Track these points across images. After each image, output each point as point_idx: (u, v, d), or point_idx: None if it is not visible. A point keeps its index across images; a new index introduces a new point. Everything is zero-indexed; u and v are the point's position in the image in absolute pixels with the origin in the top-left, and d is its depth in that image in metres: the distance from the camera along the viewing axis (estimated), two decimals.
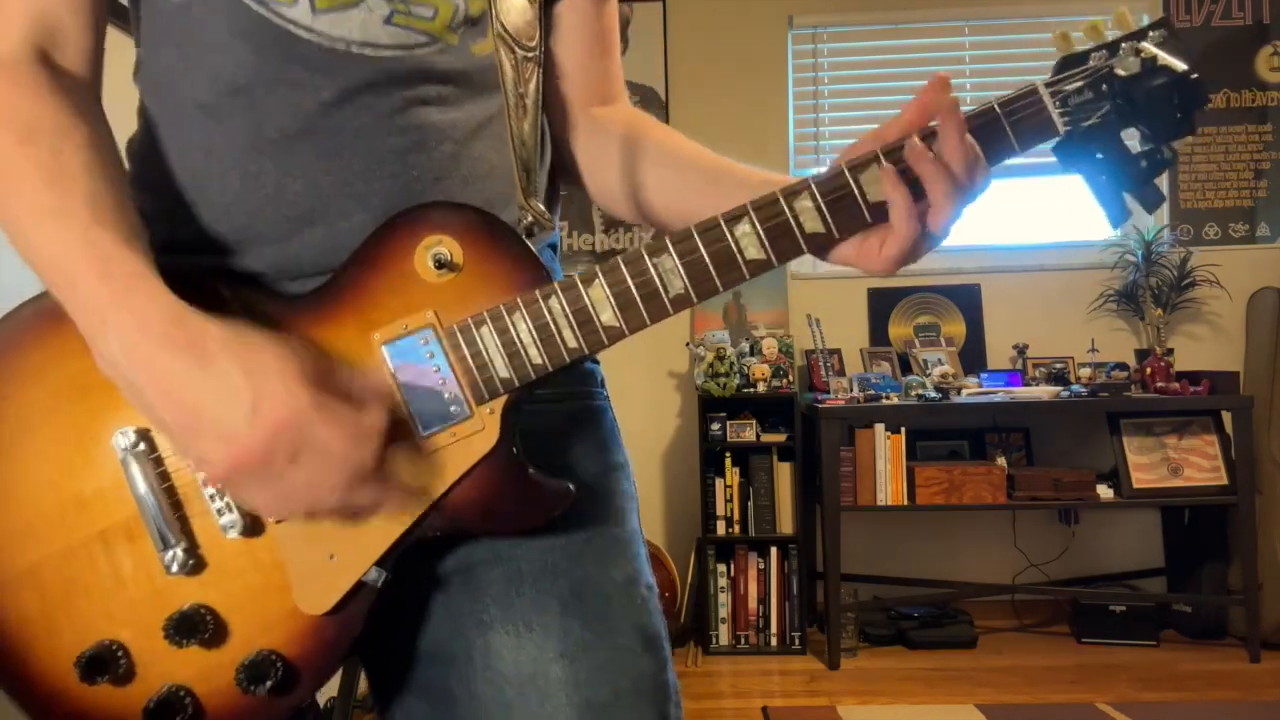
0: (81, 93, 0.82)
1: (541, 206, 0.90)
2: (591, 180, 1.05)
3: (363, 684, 2.50)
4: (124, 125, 0.91)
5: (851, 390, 3.82)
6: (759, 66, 4.27)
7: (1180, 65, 0.77)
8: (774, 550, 3.87)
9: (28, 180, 0.75)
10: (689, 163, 0.98)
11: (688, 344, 4.11)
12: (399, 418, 0.78)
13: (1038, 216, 4.30)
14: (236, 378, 0.70)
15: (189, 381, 0.70)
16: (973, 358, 4.15)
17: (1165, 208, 4.17)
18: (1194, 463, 3.73)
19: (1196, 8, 4.13)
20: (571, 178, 1.07)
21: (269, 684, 0.77)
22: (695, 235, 0.79)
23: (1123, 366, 3.86)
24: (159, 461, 0.79)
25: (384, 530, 0.79)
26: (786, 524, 3.88)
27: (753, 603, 3.88)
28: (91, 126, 0.79)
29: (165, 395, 0.71)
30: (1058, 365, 3.96)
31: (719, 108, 4.23)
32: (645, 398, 4.25)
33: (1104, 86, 0.78)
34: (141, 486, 0.78)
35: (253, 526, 0.79)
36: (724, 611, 3.88)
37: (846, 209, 0.80)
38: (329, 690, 2.43)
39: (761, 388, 3.85)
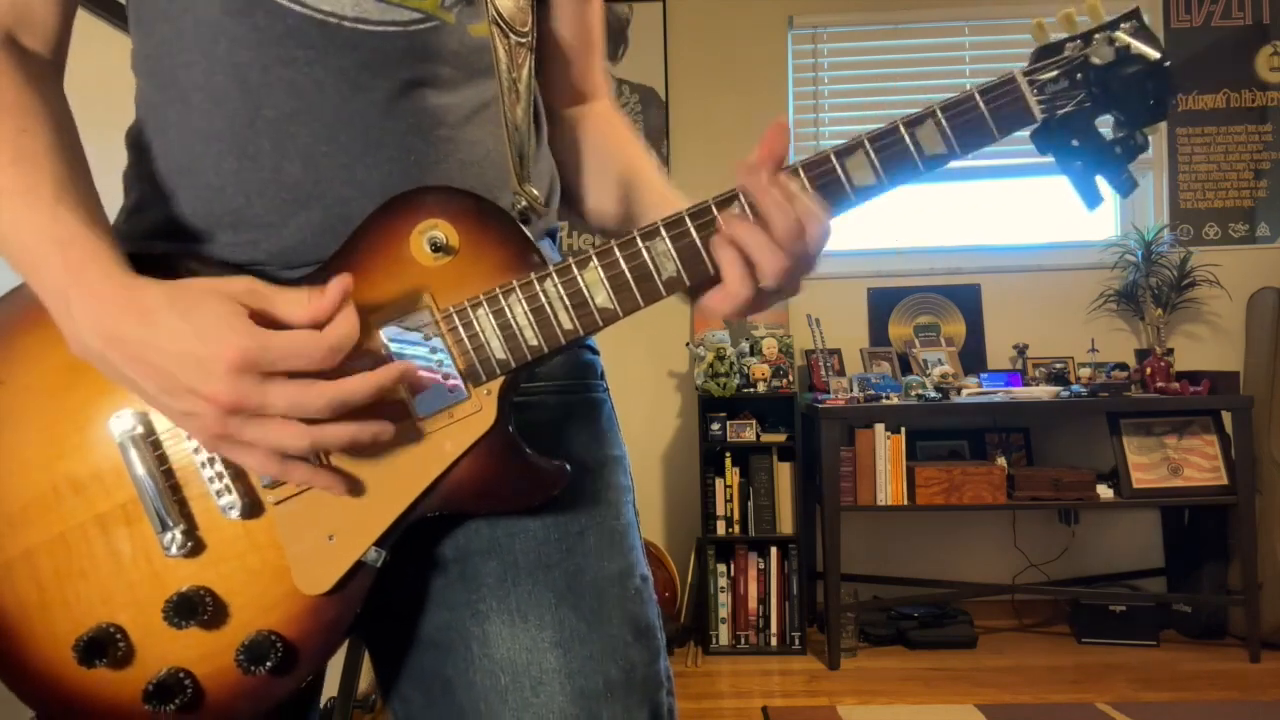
0: (46, 74, 0.83)
1: (535, 191, 0.90)
2: (564, 179, 1.06)
3: (363, 684, 2.50)
4: (125, 118, 0.92)
5: (851, 390, 3.82)
6: (759, 66, 4.27)
7: (1153, 53, 0.79)
8: (774, 550, 3.87)
9: None
10: (613, 169, 1.01)
11: (688, 344, 4.11)
12: (397, 399, 0.78)
13: (1038, 216, 4.30)
14: (181, 328, 0.71)
15: (150, 347, 0.71)
16: (973, 358, 4.15)
17: (1165, 208, 4.17)
18: (1194, 463, 3.73)
19: (1196, 8, 4.13)
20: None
21: (269, 664, 0.77)
22: (687, 219, 0.80)
23: (1123, 366, 3.87)
24: (157, 444, 0.79)
25: (383, 510, 0.79)
26: (786, 524, 3.88)
27: (753, 603, 3.87)
28: (55, 109, 0.80)
29: (136, 363, 0.72)
30: (1058, 365, 3.96)
31: (719, 108, 4.23)
32: (645, 398, 4.25)
33: (1079, 75, 0.80)
34: (140, 469, 0.78)
35: (252, 508, 0.79)
36: (724, 611, 3.88)
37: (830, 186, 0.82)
38: (329, 690, 2.43)
39: (761, 388, 3.85)
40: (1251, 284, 4.06)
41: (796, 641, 3.84)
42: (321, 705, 2.41)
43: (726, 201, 0.81)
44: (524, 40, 0.92)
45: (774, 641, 3.86)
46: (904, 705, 3.27)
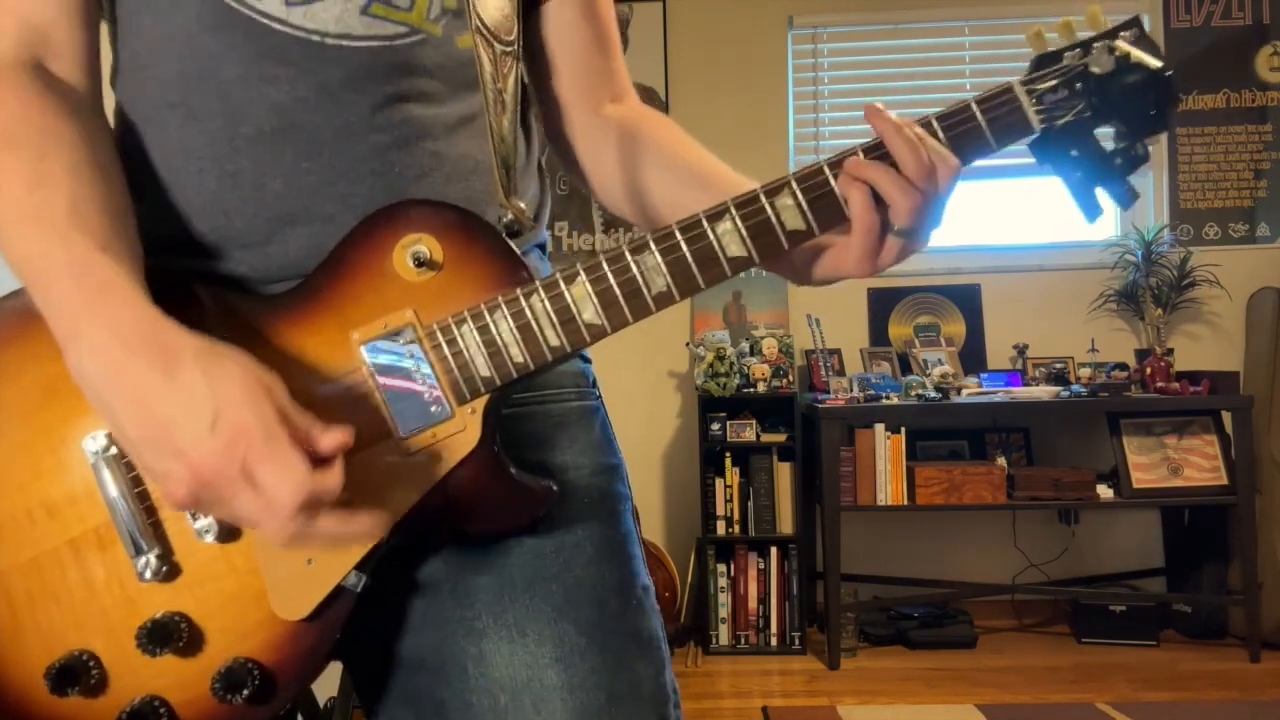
0: (75, 97, 0.81)
1: (522, 205, 0.88)
2: (596, 182, 1.04)
3: None
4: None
5: (851, 390, 3.82)
6: (759, 66, 4.26)
7: (1154, 62, 0.78)
8: (774, 550, 3.86)
9: (10, 184, 0.74)
10: (684, 167, 0.98)
11: (688, 344, 4.11)
12: (378, 418, 0.77)
13: (1038, 216, 4.29)
14: (201, 388, 0.68)
15: (158, 393, 0.68)
16: (973, 358, 4.14)
17: (1165, 208, 4.16)
18: (1194, 463, 3.72)
19: (1196, 8, 4.11)
20: (580, 179, 1.06)
21: (246, 693, 0.76)
22: (677, 233, 0.79)
23: (1123, 366, 3.86)
24: (131, 466, 0.77)
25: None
26: (786, 524, 3.88)
27: (753, 603, 3.87)
28: (82, 130, 0.78)
29: (134, 407, 0.69)
30: (1058, 365, 3.95)
31: (719, 108, 4.22)
32: (645, 398, 4.24)
33: (1079, 84, 0.79)
34: (113, 491, 0.76)
35: (229, 531, 0.78)
36: (724, 611, 3.87)
37: (827, 205, 0.81)
38: (329, 690, 2.43)
39: (761, 388, 3.85)
40: (1251, 284, 4.04)
41: (796, 641, 3.84)
42: (321, 705, 2.41)
43: (717, 216, 0.80)
44: (510, 49, 0.90)
45: (774, 641, 3.86)
46: (904, 705, 3.27)
